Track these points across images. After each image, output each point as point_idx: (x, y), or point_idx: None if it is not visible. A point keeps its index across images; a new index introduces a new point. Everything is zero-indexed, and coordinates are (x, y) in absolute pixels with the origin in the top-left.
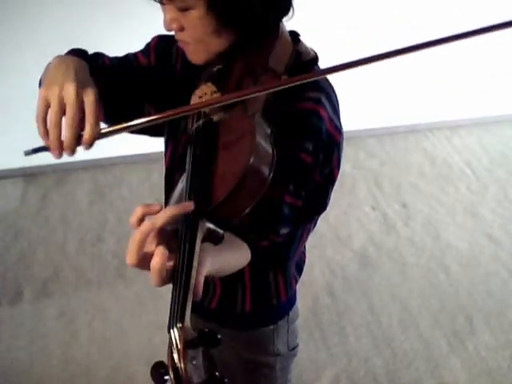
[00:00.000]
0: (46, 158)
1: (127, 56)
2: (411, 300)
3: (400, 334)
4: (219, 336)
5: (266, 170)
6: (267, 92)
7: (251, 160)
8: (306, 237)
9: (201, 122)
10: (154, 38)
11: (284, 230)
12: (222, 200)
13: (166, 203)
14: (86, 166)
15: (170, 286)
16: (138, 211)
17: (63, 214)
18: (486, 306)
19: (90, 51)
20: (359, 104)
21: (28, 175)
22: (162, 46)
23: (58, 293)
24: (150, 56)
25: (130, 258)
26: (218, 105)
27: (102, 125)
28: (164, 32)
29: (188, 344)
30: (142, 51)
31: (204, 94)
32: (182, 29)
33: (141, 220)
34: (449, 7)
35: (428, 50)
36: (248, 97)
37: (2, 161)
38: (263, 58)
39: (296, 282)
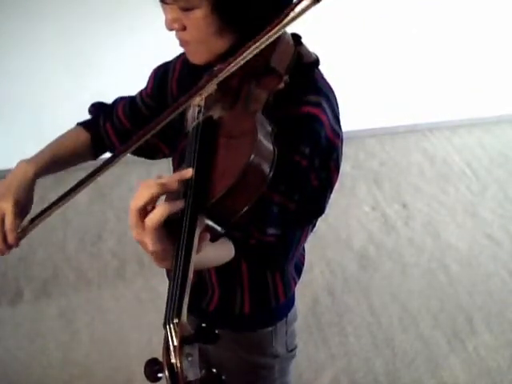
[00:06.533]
0: None
1: (135, 100)
2: (411, 300)
3: (400, 334)
4: (217, 331)
5: (266, 168)
6: (247, 59)
7: (252, 156)
8: (305, 239)
9: (200, 119)
10: (154, 69)
11: (272, 231)
12: (220, 196)
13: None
14: (85, 165)
15: None
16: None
17: (63, 214)
18: (486, 305)
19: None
20: (359, 104)
21: None
22: (160, 72)
23: (58, 293)
24: (148, 89)
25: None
26: (209, 87)
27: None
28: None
29: (184, 340)
30: (145, 88)
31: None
32: (183, 28)
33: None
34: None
35: (428, 50)
36: (233, 64)
37: (2, 161)
38: (265, 57)
39: (295, 283)
